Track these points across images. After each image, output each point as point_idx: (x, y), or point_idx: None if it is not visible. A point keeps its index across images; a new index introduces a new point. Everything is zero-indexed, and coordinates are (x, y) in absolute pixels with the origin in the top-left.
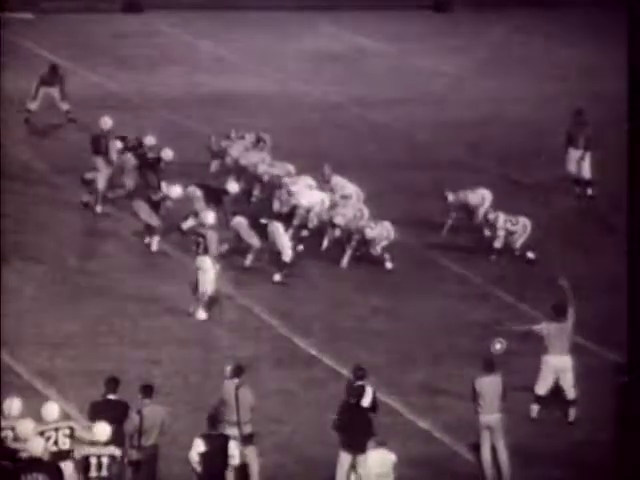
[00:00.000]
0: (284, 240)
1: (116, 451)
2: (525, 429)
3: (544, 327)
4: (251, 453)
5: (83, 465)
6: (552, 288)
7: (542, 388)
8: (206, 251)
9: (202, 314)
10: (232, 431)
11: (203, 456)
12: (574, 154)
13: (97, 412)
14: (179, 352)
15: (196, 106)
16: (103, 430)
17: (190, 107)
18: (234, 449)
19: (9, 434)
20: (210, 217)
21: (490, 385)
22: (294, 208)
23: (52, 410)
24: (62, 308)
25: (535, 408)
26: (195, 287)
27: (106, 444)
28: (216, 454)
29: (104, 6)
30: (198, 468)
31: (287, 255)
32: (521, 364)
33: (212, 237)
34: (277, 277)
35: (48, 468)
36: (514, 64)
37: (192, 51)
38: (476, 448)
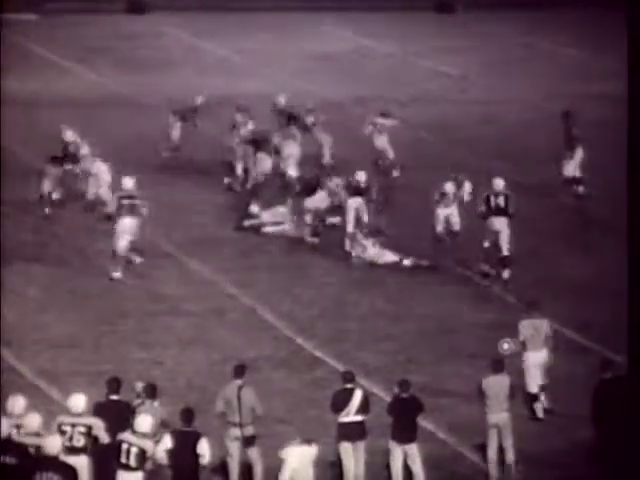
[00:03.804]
0: None
1: (146, 443)
2: (529, 429)
3: (521, 329)
4: (254, 454)
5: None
6: (553, 289)
7: (533, 386)
8: None
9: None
10: (234, 432)
11: (171, 453)
12: (569, 155)
13: (101, 412)
14: (182, 353)
15: (199, 107)
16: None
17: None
18: (204, 448)
19: (18, 430)
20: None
21: (497, 385)
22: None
23: (78, 403)
24: (65, 309)
25: (539, 407)
26: None
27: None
28: (184, 451)
29: (107, 7)
30: (164, 463)
31: None
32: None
33: None
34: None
35: (64, 468)
36: (516, 65)
37: (195, 52)
38: (481, 449)
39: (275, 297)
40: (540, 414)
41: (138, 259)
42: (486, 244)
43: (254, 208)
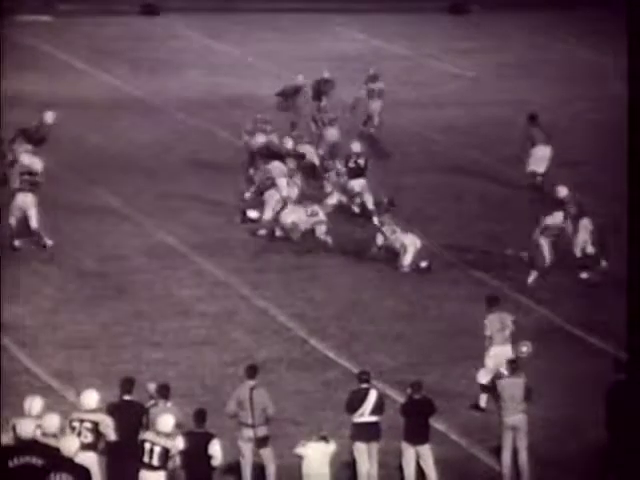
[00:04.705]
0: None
1: (169, 442)
2: (542, 431)
3: (487, 323)
4: (267, 455)
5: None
6: (567, 288)
7: (484, 377)
8: None
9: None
10: (247, 433)
11: (183, 454)
12: (537, 152)
13: (114, 413)
14: (195, 354)
15: (213, 108)
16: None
17: (207, 109)
18: (216, 449)
19: (37, 430)
20: None
21: (512, 386)
22: None
23: (89, 399)
24: (80, 310)
25: (484, 397)
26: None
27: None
28: (197, 453)
29: (121, 9)
30: (177, 464)
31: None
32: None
33: None
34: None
35: (78, 469)
36: (530, 66)
37: (209, 53)
38: (493, 450)
39: (288, 298)
40: (483, 404)
41: (49, 241)
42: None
43: (252, 213)
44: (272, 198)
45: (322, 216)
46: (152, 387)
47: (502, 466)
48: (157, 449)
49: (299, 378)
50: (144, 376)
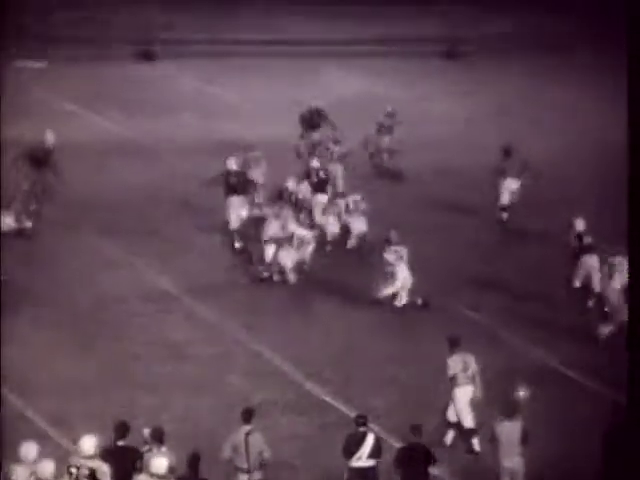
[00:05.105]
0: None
1: None
2: (535, 474)
3: (450, 363)
4: None
5: None
6: (555, 329)
7: (469, 420)
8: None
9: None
10: (242, 478)
11: None
12: (507, 184)
13: (108, 457)
14: (190, 398)
15: (206, 151)
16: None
17: (200, 152)
18: None
19: (32, 477)
20: None
21: (509, 429)
22: None
23: (86, 445)
24: (73, 354)
25: (476, 441)
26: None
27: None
28: None
29: (116, 54)
30: None
31: None
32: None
33: None
34: None
35: None
36: (526, 109)
37: (203, 98)
38: None
39: (283, 341)
40: (477, 448)
41: None
42: (577, 284)
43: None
44: (264, 243)
45: (308, 237)
46: (147, 432)
47: None
48: None
49: (295, 422)
50: (138, 421)
